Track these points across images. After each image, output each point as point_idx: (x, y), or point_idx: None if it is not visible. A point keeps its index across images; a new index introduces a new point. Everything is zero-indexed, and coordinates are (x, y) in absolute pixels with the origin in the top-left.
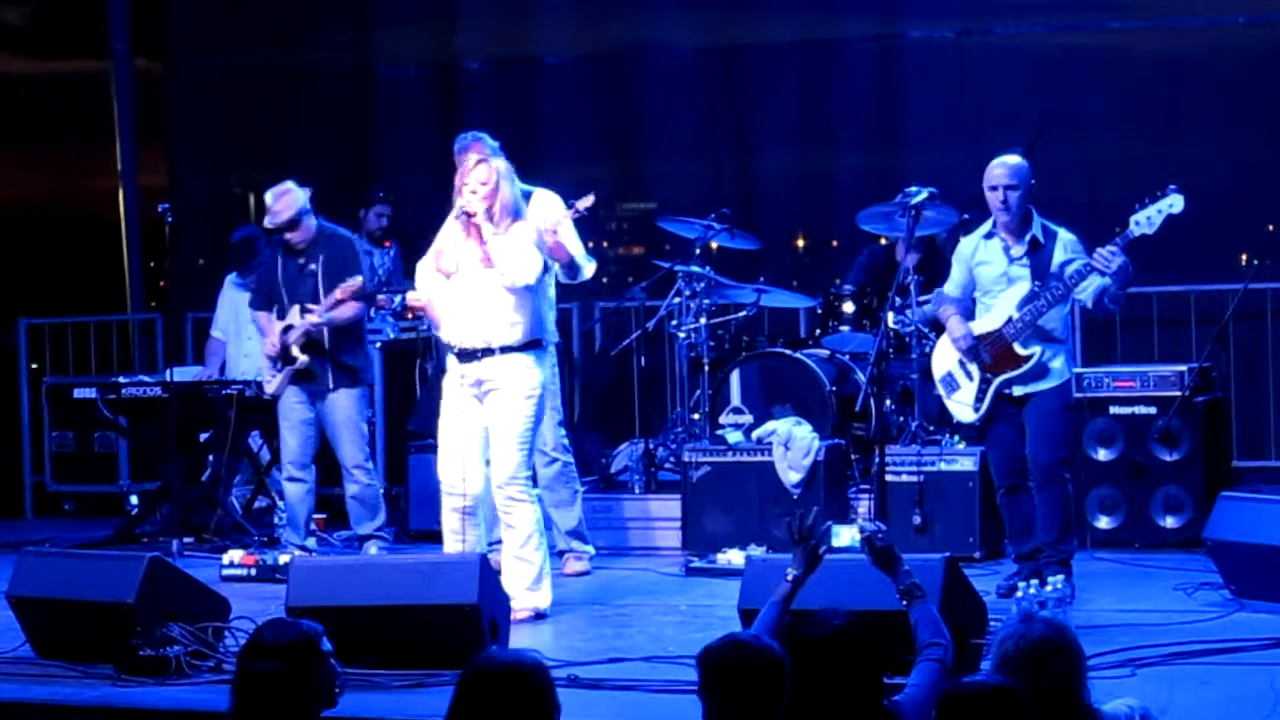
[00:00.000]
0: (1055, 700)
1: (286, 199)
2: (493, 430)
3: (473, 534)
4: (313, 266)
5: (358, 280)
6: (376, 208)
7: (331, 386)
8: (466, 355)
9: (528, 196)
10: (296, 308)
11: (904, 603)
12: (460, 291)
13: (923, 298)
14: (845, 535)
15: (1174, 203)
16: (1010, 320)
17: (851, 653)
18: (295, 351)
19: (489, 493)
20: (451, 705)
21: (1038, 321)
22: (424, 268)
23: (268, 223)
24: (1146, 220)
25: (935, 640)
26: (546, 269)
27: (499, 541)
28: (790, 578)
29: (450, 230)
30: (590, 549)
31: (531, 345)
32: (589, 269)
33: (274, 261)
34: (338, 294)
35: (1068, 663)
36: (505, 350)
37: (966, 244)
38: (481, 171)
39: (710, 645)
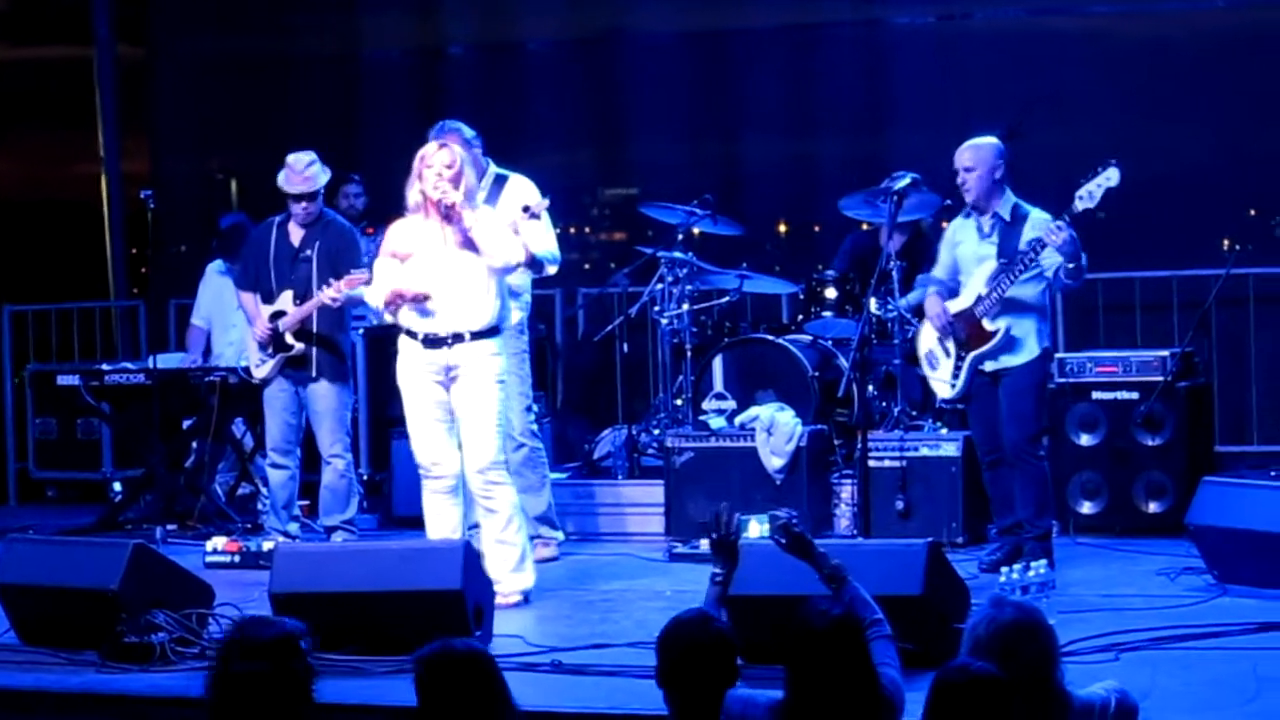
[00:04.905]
0: (1029, 684)
1: (312, 169)
2: (467, 417)
3: (454, 515)
4: (308, 253)
5: (364, 274)
6: (345, 188)
7: (315, 376)
8: (434, 342)
9: (503, 181)
10: (289, 293)
11: (831, 587)
12: (427, 278)
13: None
14: (755, 527)
15: (1110, 176)
16: (980, 297)
17: (853, 642)
18: (290, 339)
19: (464, 475)
20: (420, 699)
21: (1004, 296)
22: (384, 269)
23: (287, 185)
24: (1088, 195)
25: (877, 616)
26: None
27: (478, 525)
28: (718, 579)
29: (406, 228)
30: (559, 534)
31: (495, 331)
32: (552, 268)
33: (265, 243)
34: (344, 285)
35: (1040, 646)
36: (476, 336)
37: (951, 226)
38: (445, 155)
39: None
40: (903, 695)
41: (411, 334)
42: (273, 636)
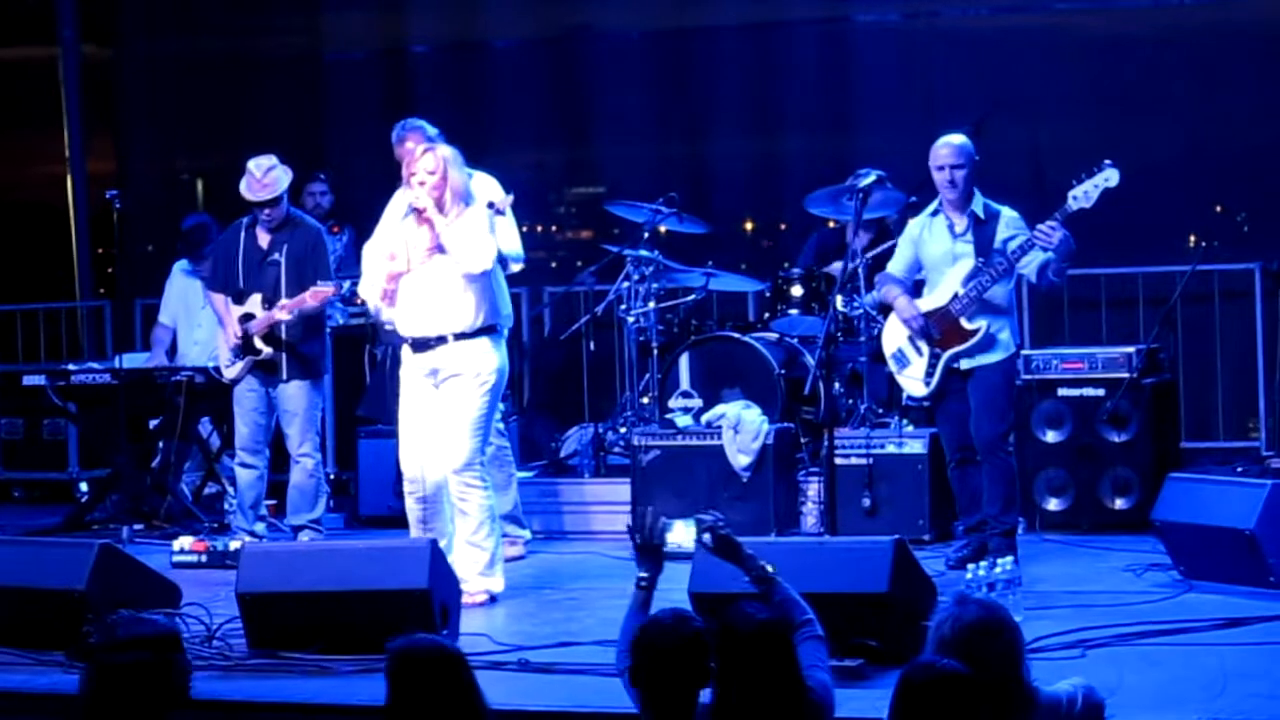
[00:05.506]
0: (995, 681)
1: (272, 175)
2: (447, 416)
3: (436, 522)
4: (276, 256)
5: (330, 288)
6: (310, 186)
7: (285, 378)
8: (421, 344)
9: None
10: (257, 296)
11: (761, 589)
12: (412, 281)
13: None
14: (681, 530)
15: (1109, 177)
16: (956, 296)
17: (779, 646)
18: (259, 343)
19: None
20: (389, 696)
21: (983, 296)
22: (372, 255)
23: (248, 193)
24: (1084, 195)
25: (807, 617)
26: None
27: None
28: (643, 584)
29: (395, 222)
30: (526, 533)
31: (487, 330)
32: (516, 266)
33: (234, 243)
34: (308, 298)
35: (1005, 643)
36: (460, 337)
37: (914, 224)
38: (429, 160)
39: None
40: (832, 698)
41: (403, 337)
42: (148, 633)
